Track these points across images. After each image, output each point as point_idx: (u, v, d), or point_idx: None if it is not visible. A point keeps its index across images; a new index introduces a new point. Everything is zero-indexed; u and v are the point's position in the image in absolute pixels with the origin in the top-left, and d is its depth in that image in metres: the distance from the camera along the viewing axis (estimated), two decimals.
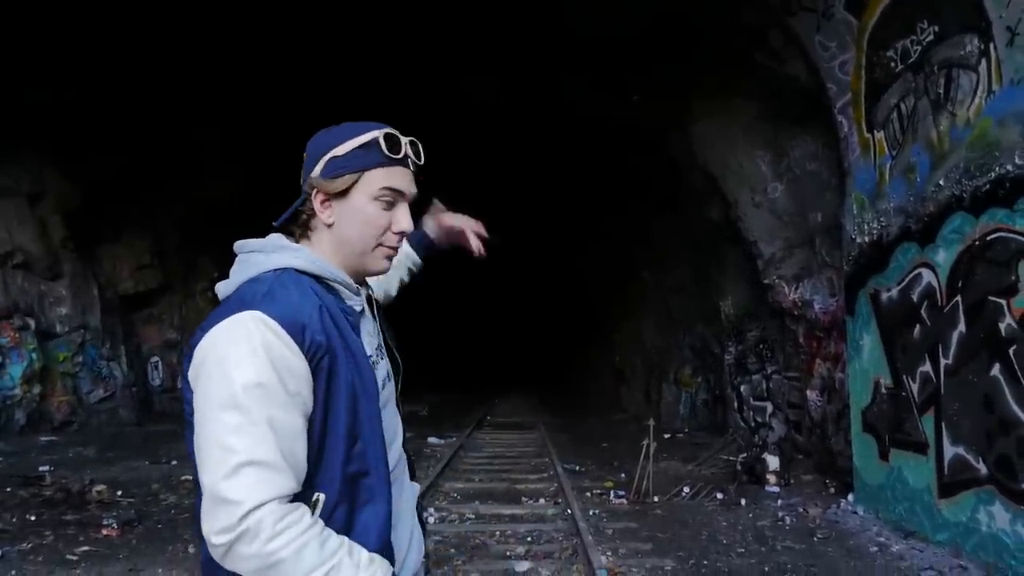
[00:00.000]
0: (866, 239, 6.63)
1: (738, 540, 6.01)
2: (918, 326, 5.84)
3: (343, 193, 1.35)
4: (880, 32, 6.24)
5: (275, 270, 1.33)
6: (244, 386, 1.17)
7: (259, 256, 1.37)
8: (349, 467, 1.29)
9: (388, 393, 1.47)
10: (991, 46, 5.00)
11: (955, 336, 5.35)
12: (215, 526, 1.16)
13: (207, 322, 1.26)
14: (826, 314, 8.57)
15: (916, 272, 5.86)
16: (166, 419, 14.30)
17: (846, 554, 5.58)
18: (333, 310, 1.31)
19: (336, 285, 1.37)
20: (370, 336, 1.45)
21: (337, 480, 1.28)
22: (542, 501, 7.57)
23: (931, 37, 5.65)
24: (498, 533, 6.25)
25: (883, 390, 6.34)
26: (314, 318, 1.26)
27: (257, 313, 1.21)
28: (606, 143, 12.14)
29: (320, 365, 1.25)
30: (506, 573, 5.19)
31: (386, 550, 1.32)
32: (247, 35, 9.77)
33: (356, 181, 1.35)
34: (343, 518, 1.28)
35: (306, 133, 1.46)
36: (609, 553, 5.56)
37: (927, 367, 5.70)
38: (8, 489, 7.77)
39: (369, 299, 1.50)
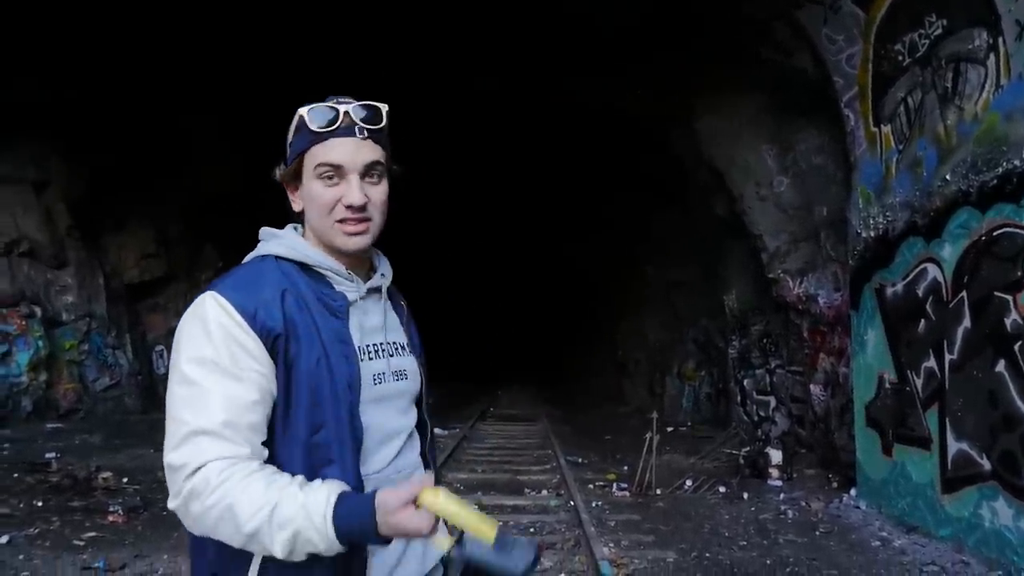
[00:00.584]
0: (872, 233, 6.61)
1: (740, 533, 6.03)
2: (923, 321, 5.84)
3: (297, 178, 1.37)
4: (888, 25, 6.21)
5: (260, 256, 1.37)
6: (195, 360, 1.23)
7: (258, 246, 1.42)
8: (310, 457, 1.27)
9: (398, 388, 1.43)
10: (1000, 40, 4.97)
11: (960, 332, 5.35)
12: (171, 490, 1.22)
13: None
14: (830, 308, 8.56)
15: (921, 267, 5.85)
16: None
17: (848, 548, 5.60)
18: (306, 295, 1.31)
19: (322, 271, 1.37)
20: (373, 327, 1.42)
21: (298, 463, 1.27)
22: (545, 492, 7.59)
23: (939, 31, 5.62)
24: (501, 524, 6.27)
25: (887, 385, 6.34)
26: (271, 303, 1.26)
27: (212, 293, 1.27)
28: (608, 137, 12.11)
29: (275, 348, 1.25)
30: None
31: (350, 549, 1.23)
32: (249, 25, 9.77)
33: (301, 163, 1.36)
34: None
35: None
36: (612, 544, 5.58)
37: (931, 362, 5.69)
38: (15, 475, 7.82)
39: (379, 290, 1.46)
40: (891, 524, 6.03)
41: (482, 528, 1.14)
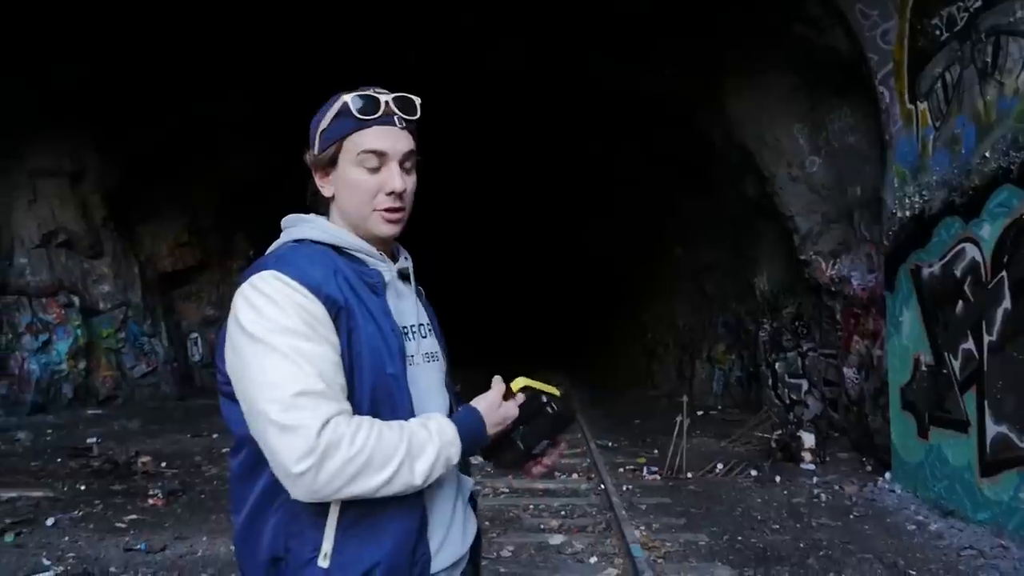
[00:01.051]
0: (907, 213, 6.48)
1: (773, 517, 6.00)
2: (961, 302, 5.72)
3: (333, 164, 1.38)
4: None
5: (294, 241, 1.40)
6: (273, 330, 1.23)
7: (284, 232, 1.45)
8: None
9: (430, 371, 1.47)
10: None
11: (1000, 313, 5.23)
12: (293, 455, 1.18)
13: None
14: (864, 290, 8.42)
15: (959, 247, 5.72)
16: (206, 393, 14.62)
17: (883, 532, 5.54)
18: (349, 276, 1.34)
19: (356, 253, 1.40)
20: (406, 309, 1.46)
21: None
22: (575, 476, 7.61)
23: (978, 3, 5.47)
24: (532, 507, 6.32)
25: (923, 367, 6.23)
26: (328, 278, 1.29)
27: (271, 272, 1.28)
28: (634, 118, 11.99)
29: (339, 321, 1.28)
30: (540, 546, 5.25)
31: (418, 513, 1.35)
32: (276, 10, 9.82)
33: (339, 149, 1.37)
34: None
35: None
36: (643, 527, 5.59)
37: (970, 344, 5.58)
38: (59, 460, 8.06)
39: (407, 273, 1.49)
40: (927, 508, 5.95)
41: (552, 389, 1.48)
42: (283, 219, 1.47)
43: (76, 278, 12.43)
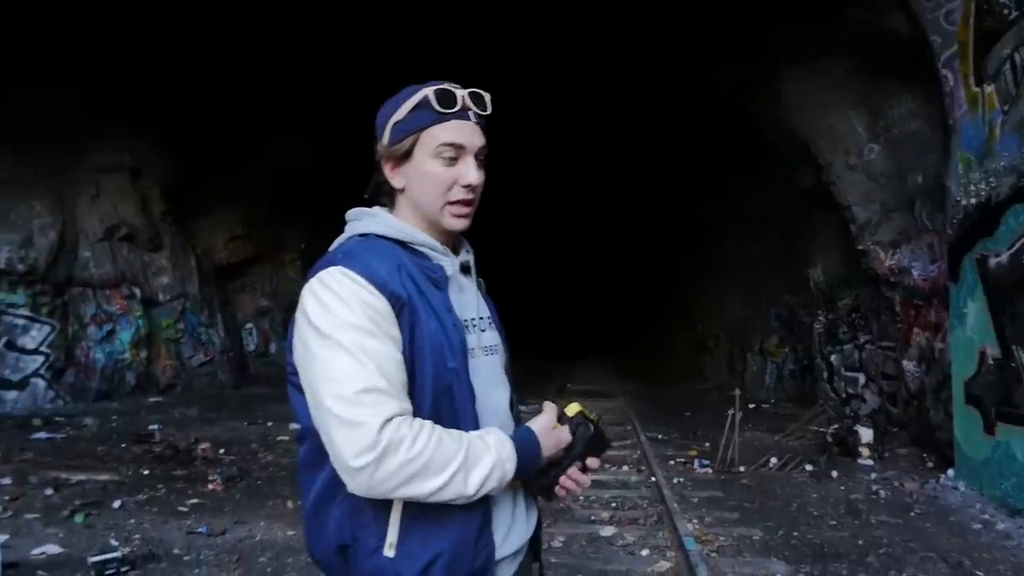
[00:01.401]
0: (972, 201, 6.25)
1: (829, 512, 5.87)
2: None
3: (407, 155, 1.39)
4: None
5: (359, 235, 1.41)
6: (339, 327, 1.25)
7: (349, 225, 1.46)
8: (435, 421, 1.32)
9: (491, 364, 1.48)
10: None
11: None
12: (353, 450, 1.20)
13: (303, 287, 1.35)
14: (926, 281, 8.16)
15: None
16: (261, 382, 14.99)
17: (946, 531, 5.37)
18: (413, 271, 1.35)
19: (419, 247, 1.41)
20: (467, 302, 1.46)
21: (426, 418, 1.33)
22: (625, 468, 7.57)
23: None
24: (582, 498, 6.30)
25: (989, 360, 6.01)
26: (392, 275, 1.31)
27: (337, 267, 1.30)
28: (686, 106, 11.82)
29: (402, 317, 1.29)
30: (591, 537, 5.24)
31: (481, 505, 1.35)
32: (330, 3, 9.94)
33: (416, 141, 1.38)
34: None
35: (381, 104, 1.48)
36: (695, 521, 5.53)
37: None
38: (123, 445, 8.35)
39: (468, 267, 1.51)
40: (993, 506, 5.75)
41: (592, 416, 1.51)
42: (348, 212, 1.48)
43: (137, 270, 12.85)
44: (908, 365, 8.39)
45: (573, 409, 1.48)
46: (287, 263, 16.81)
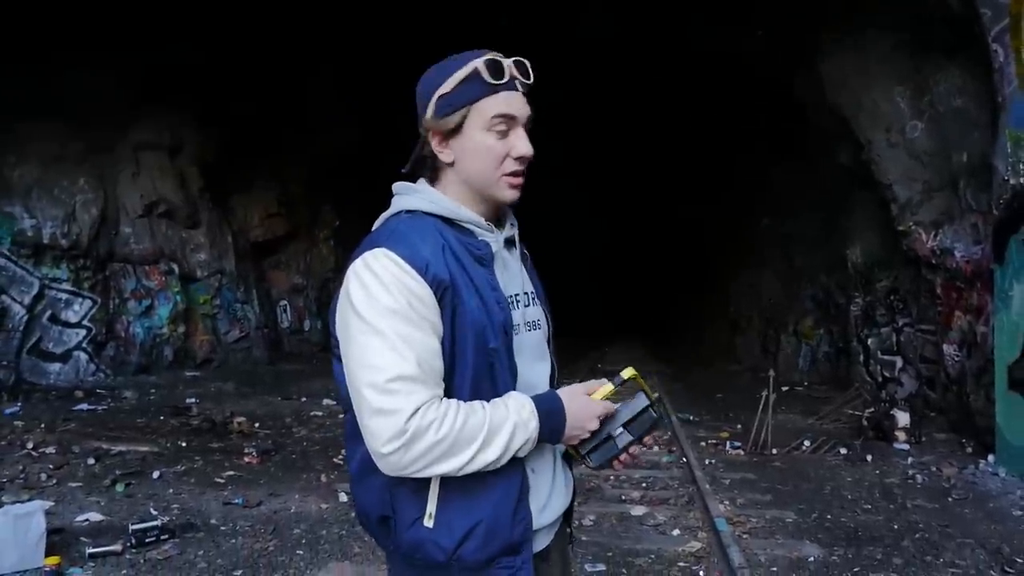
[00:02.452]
0: (1021, 180, 6.05)
1: (864, 496, 5.79)
2: None
3: (457, 129, 1.36)
4: None
5: (405, 212, 1.40)
6: (379, 312, 1.26)
7: (395, 199, 1.46)
8: (476, 399, 1.34)
9: (534, 339, 1.48)
10: None
11: None
12: (383, 437, 1.24)
13: (346, 263, 1.36)
14: (968, 263, 7.94)
15: None
16: (295, 359, 15.21)
17: (985, 517, 5.27)
18: (457, 249, 1.35)
19: (466, 224, 1.40)
20: (512, 278, 1.46)
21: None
22: (656, 448, 7.54)
23: None
24: (612, 478, 6.30)
25: None
26: (436, 256, 1.31)
27: (382, 250, 1.30)
28: (725, 83, 11.61)
29: (444, 300, 1.30)
30: (622, 516, 5.24)
31: (519, 476, 1.38)
32: None
33: (467, 115, 1.35)
34: None
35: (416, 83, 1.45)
36: (727, 502, 5.50)
37: None
38: (161, 418, 8.55)
39: (513, 241, 1.50)
40: None
41: (651, 394, 1.47)
42: (395, 185, 1.47)
43: (175, 246, 13.07)
44: (948, 349, 8.20)
45: (628, 374, 1.46)
46: (321, 241, 16.95)
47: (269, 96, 12.55)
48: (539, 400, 1.35)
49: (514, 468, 1.36)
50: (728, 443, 7.67)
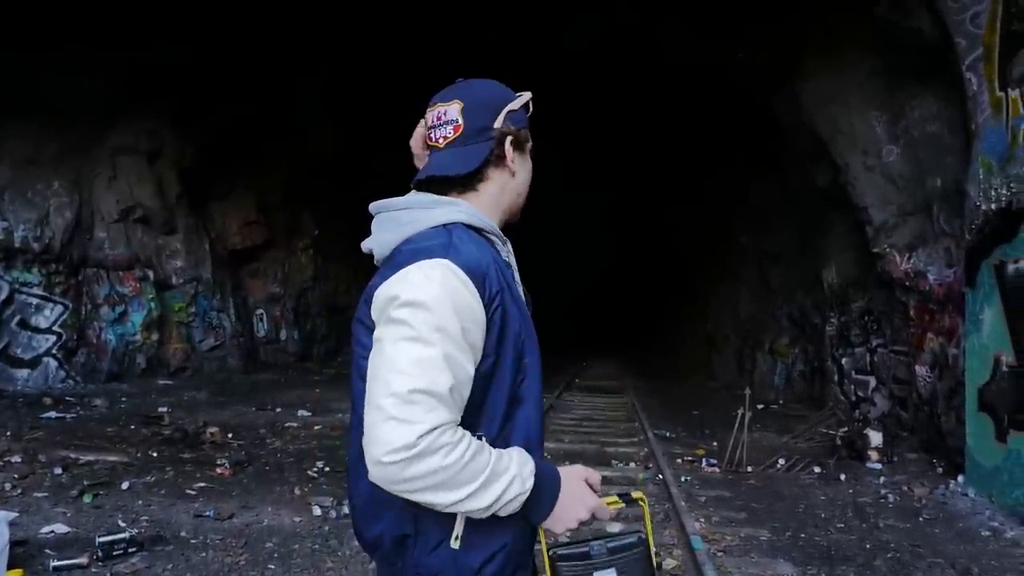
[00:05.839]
0: (993, 206, 6.17)
1: (837, 515, 5.84)
2: None
3: (523, 145, 1.47)
4: None
5: (444, 225, 1.37)
6: (431, 326, 1.24)
7: (416, 213, 1.40)
8: (511, 405, 1.36)
9: None
10: None
11: None
12: (391, 444, 1.19)
13: (388, 270, 1.32)
14: (941, 286, 8.08)
15: None
16: (270, 368, 15.07)
17: (955, 537, 5.33)
18: (499, 263, 1.39)
19: (492, 238, 1.43)
20: (522, 290, 1.51)
21: (500, 410, 1.35)
22: (632, 465, 7.56)
23: None
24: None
25: (1004, 368, 5.95)
26: (492, 269, 1.33)
27: (446, 261, 1.28)
28: (705, 101, 11.75)
29: (494, 315, 1.31)
30: (597, 532, 5.22)
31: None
32: None
33: (523, 141, 1.47)
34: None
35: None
36: (702, 520, 5.52)
37: None
38: (132, 427, 8.41)
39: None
40: (1003, 514, 5.70)
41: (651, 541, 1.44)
42: (406, 199, 1.43)
43: (151, 253, 12.91)
44: (920, 370, 8.32)
45: (637, 495, 1.48)
46: (300, 250, 16.84)
47: (250, 103, 12.48)
48: (541, 464, 1.34)
49: None
50: (704, 460, 7.70)
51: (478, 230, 1.40)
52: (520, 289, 1.46)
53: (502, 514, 1.29)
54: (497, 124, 1.42)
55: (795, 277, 12.68)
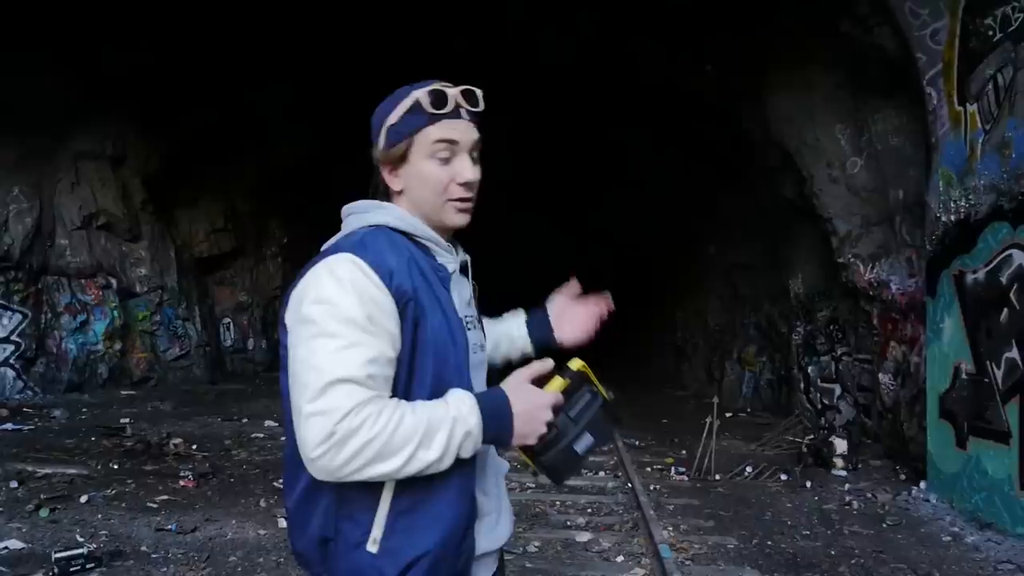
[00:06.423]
0: (952, 218, 6.32)
1: (803, 522, 5.91)
2: (1006, 310, 5.56)
3: (403, 158, 1.40)
4: None
5: (370, 227, 1.40)
6: (336, 318, 1.24)
7: (354, 218, 1.45)
8: None
9: (479, 361, 1.48)
10: None
11: None
12: (314, 439, 1.20)
13: (303, 270, 1.35)
14: (904, 295, 8.24)
15: (1007, 253, 5.57)
16: (237, 378, 14.84)
17: (917, 542, 5.42)
18: (423, 265, 1.36)
19: (427, 243, 1.42)
20: (465, 301, 1.47)
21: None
22: (602, 474, 7.57)
23: None
24: (558, 503, 6.29)
25: (964, 376, 6.08)
26: (402, 267, 1.31)
27: (348, 255, 1.29)
28: (675, 113, 11.87)
29: (406, 311, 1.29)
30: (567, 543, 5.22)
31: (469, 502, 1.35)
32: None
33: (411, 144, 1.39)
34: None
35: (376, 98, 1.50)
36: (670, 528, 5.54)
37: (1014, 353, 5.43)
38: (93, 439, 8.21)
39: (466, 267, 1.52)
40: (963, 519, 5.81)
41: (605, 393, 1.41)
42: (352, 204, 1.47)
43: (114, 260, 12.66)
44: (884, 378, 8.46)
45: (576, 364, 1.38)
46: (268, 258, 16.65)
47: (217, 108, 12.33)
48: (482, 394, 1.33)
49: (464, 492, 1.33)
50: (673, 468, 7.75)
51: (410, 236, 1.40)
52: (454, 298, 1.40)
53: (464, 455, 1.27)
54: (379, 147, 1.42)
55: (763, 287, 12.84)
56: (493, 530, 1.43)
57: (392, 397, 1.28)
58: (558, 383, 1.35)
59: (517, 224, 23.73)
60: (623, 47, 10.67)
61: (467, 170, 1.39)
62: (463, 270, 1.52)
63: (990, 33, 5.80)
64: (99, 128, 11.73)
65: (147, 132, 12.27)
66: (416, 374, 1.31)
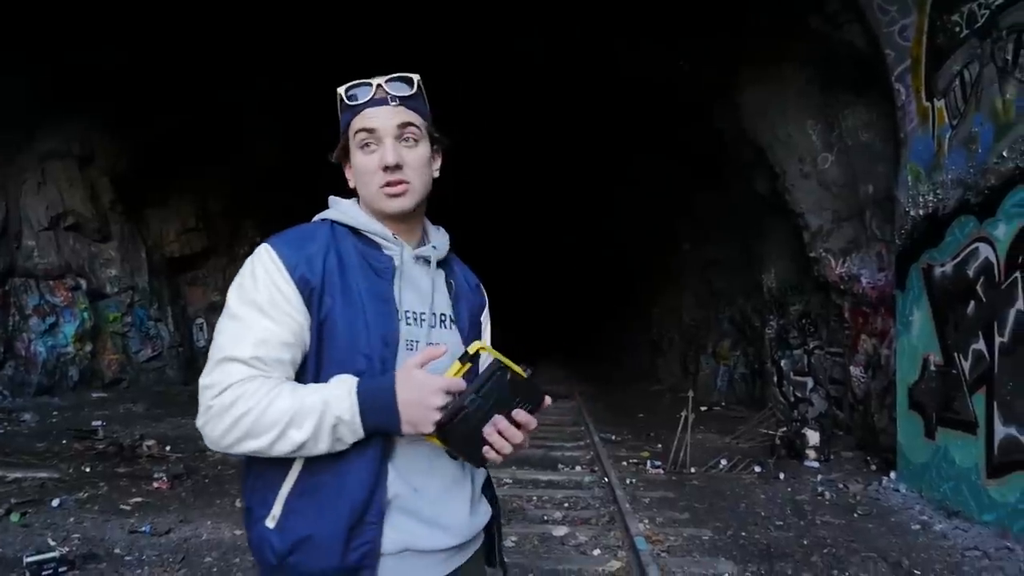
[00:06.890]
0: (920, 212, 6.43)
1: (776, 513, 5.98)
2: (973, 302, 5.68)
3: (347, 155, 1.47)
4: None
5: (319, 220, 1.49)
6: (242, 300, 1.35)
7: (320, 214, 1.53)
8: None
9: (435, 362, 1.40)
10: None
11: (1012, 314, 5.19)
12: (199, 410, 1.31)
13: None
14: (874, 289, 8.38)
15: (973, 247, 5.68)
16: None
17: (887, 531, 5.52)
18: (347, 256, 1.40)
19: (372, 236, 1.45)
20: (418, 295, 1.45)
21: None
22: (578, 468, 7.61)
23: (1000, 0, 5.40)
24: (535, 498, 6.31)
25: (932, 367, 6.20)
26: (314, 258, 1.36)
27: (265, 245, 1.39)
28: (650, 110, 11.93)
29: (311, 301, 1.35)
30: (543, 537, 5.24)
31: (368, 493, 1.33)
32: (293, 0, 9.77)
33: (347, 141, 1.46)
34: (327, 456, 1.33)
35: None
36: (646, 521, 5.58)
37: (980, 345, 5.54)
38: (64, 442, 8.08)
39: (428, 260, 1.49)
40: (932, 508, 5.93)
41: (517, 369, 1.35)
42: (330, 200, 1.55)
43: (83, 261, 12.44)
44: (855, 371, 8.60)
45: (475, 347, 1.35)
46: (241, 256, 16.44)
47: (189, 106, 12.15)
48: (365, 381, 1.29)
49: (362, 485, 1.31)
50: (648, 462, 7.80)
51: (354, 229, 1.45)
52: (395, 291, 1.39)
53: (344, 439, 1.29)
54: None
55: (737, 282, 12.97)
56: (428, 530, 1.38)
57: (295, 380, 1.34)
58: (455, 367, 1.31)
59: (491, 225, 23.75)
60: (597, 46, 10.70)
61: (387, 155, 1.40)
62: (442, 264, 1.53)
63: (957, 29, 5.90)
64: (65, 127, 11.51)
65: (115, 131, 12.05)
66: (324, 361, 1.35)
